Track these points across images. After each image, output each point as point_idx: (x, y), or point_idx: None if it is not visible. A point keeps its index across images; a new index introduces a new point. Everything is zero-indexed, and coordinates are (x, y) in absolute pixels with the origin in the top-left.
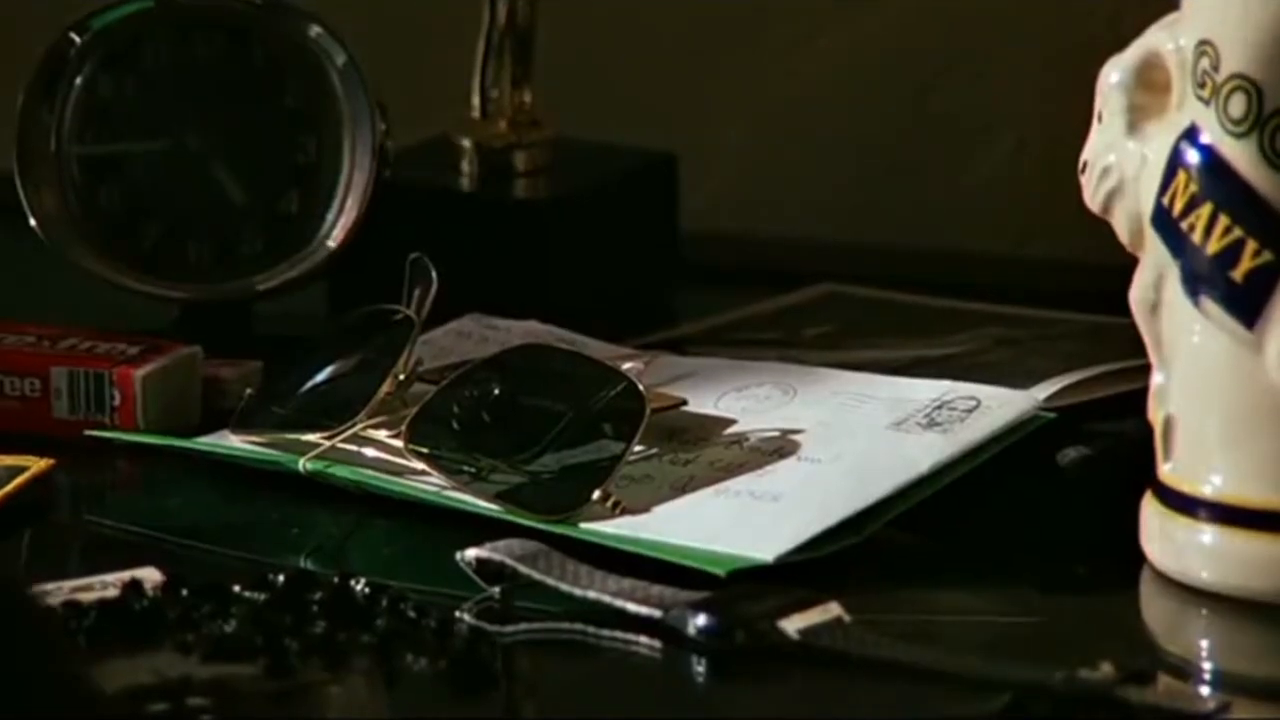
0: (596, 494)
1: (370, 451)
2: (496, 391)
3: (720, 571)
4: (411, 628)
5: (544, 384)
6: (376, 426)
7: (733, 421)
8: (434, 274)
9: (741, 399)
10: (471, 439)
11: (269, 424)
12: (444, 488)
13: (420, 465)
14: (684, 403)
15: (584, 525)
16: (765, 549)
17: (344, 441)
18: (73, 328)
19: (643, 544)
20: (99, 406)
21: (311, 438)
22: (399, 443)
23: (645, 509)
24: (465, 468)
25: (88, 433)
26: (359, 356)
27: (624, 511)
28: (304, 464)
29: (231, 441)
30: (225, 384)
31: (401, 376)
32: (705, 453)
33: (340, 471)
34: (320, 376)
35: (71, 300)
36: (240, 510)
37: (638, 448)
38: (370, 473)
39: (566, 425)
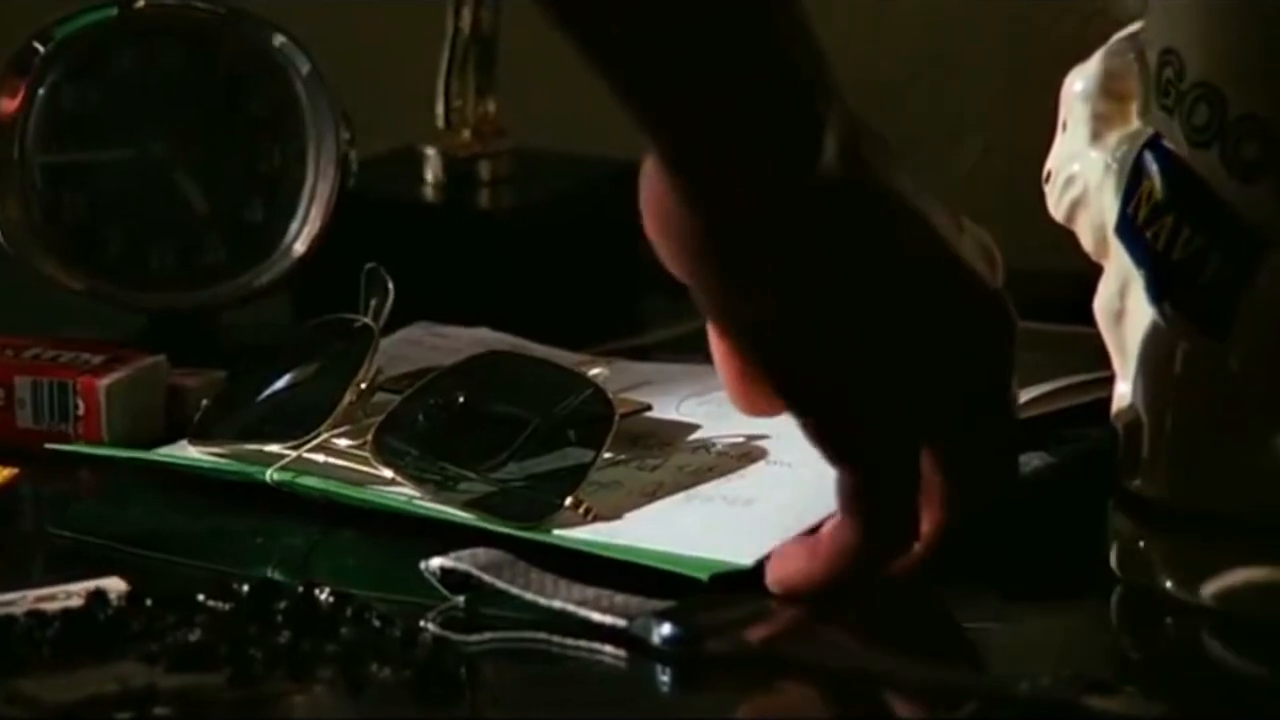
0: (568, 500)
1: (336, 461)
2: (462, 399)
3: (703, 576)
4: (376, 637)
5: (510, 391)
6: (340, 436)
7: (697, 427)
8: (390, 283)
9: (704, 403)
10: (438, 447)
11: (228, 435)
12: (413, 497)
13: (388, 474)
14: (649, 408)
15: (556, 532)
16: (744, 553)
17: (309, 451)
18: (38, 337)
19: (618, 549)
20: (62, 416)
21: (275, 448)
22: (365, 453)
23: (617, 515)
24: (433, 477)
25: (49, 446)
26: (317, 366)
27: (596, 518)
28: (271, 475)
29: (190, 453)
30: (189, 394)
31: (364, 385)
32: (672, 458)
33: (307, 481)
34: (278, 386)
35: (38, 310)
36: (204, 520)
37: (605, 454)
38: (338, 482)
39: (534, 432)
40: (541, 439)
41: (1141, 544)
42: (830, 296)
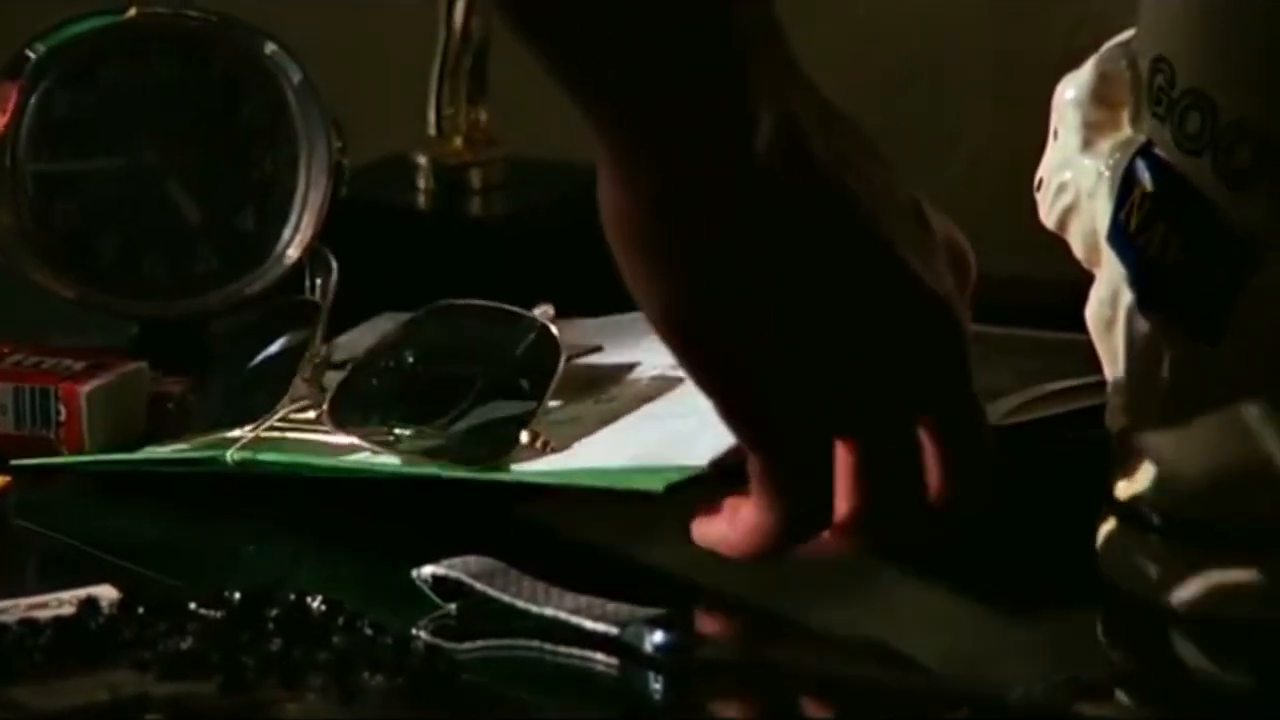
0: (524, 436)
1: (296, 435)
2: (413, 357)
3: (658, 486)
4: (368, 645)
5: (459, 342)
6: (300, 410)
7: (656, 364)
8: (334, 262)
9: (656, 344)
10: (394, 408)
11: (193, 428)
12: (375, 462)
13: (346, 440)
14: (599, 349)
15: (514, 468)
16: (699, 456)
17: (269, 430)
18: (20, 344)
19: (574, 474)
20: (44, 422)
21: (237, 433)
22: (326, 433)
23: (572, 446)
24: (390, 437)
25: (14, 463)
26: (271, 351)
27: (552, 450)
28: (231, 455)
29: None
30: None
31: (316, 361)
32: (631, 389)
33: (268, 457)
34: (236, 376)
35: (30, 318)
36: (196, 527)
37: (559, 402)
38: (298, 453)
39: (487, 379)
40: (495, 384)
41: (1133, 550)
42: (743, 276)
